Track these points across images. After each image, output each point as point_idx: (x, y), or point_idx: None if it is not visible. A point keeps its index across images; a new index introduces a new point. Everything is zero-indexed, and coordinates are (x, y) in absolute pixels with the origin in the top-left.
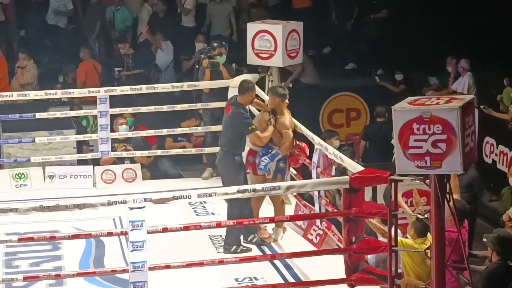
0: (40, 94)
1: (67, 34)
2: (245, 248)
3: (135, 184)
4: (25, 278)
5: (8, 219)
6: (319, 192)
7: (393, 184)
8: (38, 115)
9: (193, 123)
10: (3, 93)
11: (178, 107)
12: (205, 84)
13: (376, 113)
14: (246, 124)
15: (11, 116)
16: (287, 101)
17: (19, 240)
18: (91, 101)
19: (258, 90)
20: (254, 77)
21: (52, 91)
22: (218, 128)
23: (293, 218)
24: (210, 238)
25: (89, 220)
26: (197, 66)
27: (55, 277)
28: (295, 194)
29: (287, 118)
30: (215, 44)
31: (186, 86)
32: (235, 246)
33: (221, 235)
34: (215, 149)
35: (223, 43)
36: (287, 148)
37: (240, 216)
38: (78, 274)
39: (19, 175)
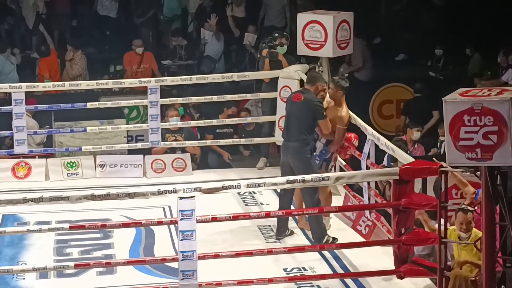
0: (92, 84)
1: (118, 24)
2: (291, 232)
3: (185, 174)
4: (76, 266)
5: (60, 208)
6: (368, 183)
7: (443, 175)
8: (90, 104)
9: (229, 112)
10: (56, 83)
11: (228, 97)
12: (255, 75)
13: (414, 90)
14: (321, 109)
15: (63, 105)
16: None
17: (71, 228)
18: (142, 91)
19: None
20: (304, 68)
21: (103, 81)
22: (274, 118)
23: (342, 209)
24: (259, 228)
25: (138, 209)
26: (258, 56)
27: (105, 265)
28: (344, 185)
29: (344, 112)
30: (276, 34)
31: (236, 76)
32: (326, 237)
33: (270, 225)
34: (271, 139)
35: (285, 33)
36: (336, 145)
37: (314, 202)
38: (129, 262)
39: (71, 164)
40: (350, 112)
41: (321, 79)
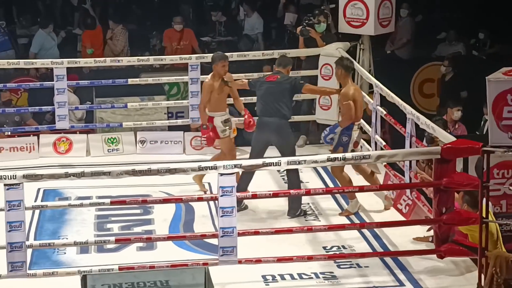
0: (133, 60)
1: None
2: (305, 211)
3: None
4: (117, 241)
5: (100, 183)
6: (410, 162)
7: (485, 155)
8: (131, 81)
9: None
10: (97, 59)
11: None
12: (296, 52)
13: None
14: (297, 82)
15: (104, 81)
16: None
17: (112, 203)
18: (182, 68)
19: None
20: (345, 46)
21: (144, 58)
22: (314, 96)
23: (382, 188)
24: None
25: (178, 186)
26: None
27: (146, 240)
28: (385, 163)
29: (350, 89)
30: (316, 12)
31: (276, 54)
32: (299, 210)
33: (309, 203)
34: (310, 117)
35: (325, 11)
36: (346, 120)
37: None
38: (169, 238)
39: (111, 139)
40: (366, 97)
41: (291, 63)
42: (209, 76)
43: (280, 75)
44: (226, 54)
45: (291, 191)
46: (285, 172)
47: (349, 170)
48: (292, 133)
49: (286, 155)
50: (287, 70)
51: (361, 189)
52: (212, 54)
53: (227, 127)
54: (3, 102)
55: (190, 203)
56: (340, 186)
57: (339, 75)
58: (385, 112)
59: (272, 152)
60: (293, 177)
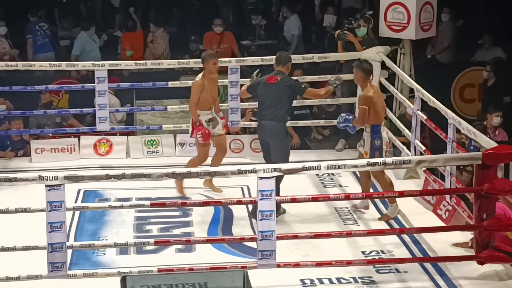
0: (173, 63)
1: (199, 3)
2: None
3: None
4: (156, 242)
5: (140, 185)
6: (451, 167)
7: None
8: (171, 83)
9: None
10: (138, 62)
11: (308, 78)
12: (336, 56)
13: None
14: (298, 85)
15: (145, 84)
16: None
17: (152, 205)
18: (222, 71)
19: (390, 63)
20: (385, 50)
21: (184, 60)
22: (354, 100)
23: (422, 193)
24: (337, 210)
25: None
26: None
27: (185, 242)
28: (424, 169)
29: (369, 92)
30: (357, 16)
31: (316, 57)
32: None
33: (347, 208)
34: None
35: (366, 15)
36: (358, 122)
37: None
38: (208, 241)
39: (151, 142)
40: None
41: (290, 60)
42: (199, 75)
43: (281, 76)
44: (266, 57)
45: (331, 195)
46: (324, 175)
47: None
48: (287, 138)
49: (276, 158)
50: (287, 67)
51: (401, 194)
52: (203, 54)
53: (210, 127)
54: (43, 104)
55: (229, 206)
56: (382, 189)
57: (359, 78)
58: (425, 117)
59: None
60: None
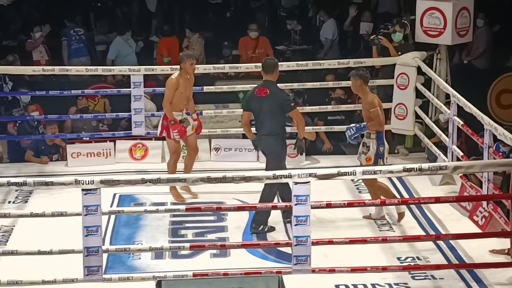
0: (208, 68)
1: (235, 8)
2: (271, 228)
3: (298, 160)
4: (191, 247)
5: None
6: (488, 173)
7: None
8: (206, 88)
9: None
10: (174, 67)
11: (344, 83)
12: (372, 61)
13: None
14: (288, 101)
15: None
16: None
17: (187, 209)
18: (256, 76)
19: (426, 68)
20: (422, 55)
21: (220, 65)
22: (390, 105)
23: (458, 199)
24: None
25: (251, 193)
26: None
27: (220, 247)
28: (461, 175)
29: (374, 97)
30: (394, 21)
31: (352, 63)
32: (262, 226)
33: (384, 214)
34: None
35: (402, 21)
36: (375, 126)
37: (270, 195)
38: (243, 245)
39: (186, 146)
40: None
41: (277, 65)
42: (174, 74)
43: (270, 88)
44: (301, 62)
45: (366, 201)
46: (359, 181)
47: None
48: (283, 150)
49: (269, 170)
50: (276, 74)
51: (437, 200)
52: (180, 54)
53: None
54: (80, 109)
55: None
56: (374, 197)
57: (357, 86)
58: (462, 123)
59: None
60: (267, 190)
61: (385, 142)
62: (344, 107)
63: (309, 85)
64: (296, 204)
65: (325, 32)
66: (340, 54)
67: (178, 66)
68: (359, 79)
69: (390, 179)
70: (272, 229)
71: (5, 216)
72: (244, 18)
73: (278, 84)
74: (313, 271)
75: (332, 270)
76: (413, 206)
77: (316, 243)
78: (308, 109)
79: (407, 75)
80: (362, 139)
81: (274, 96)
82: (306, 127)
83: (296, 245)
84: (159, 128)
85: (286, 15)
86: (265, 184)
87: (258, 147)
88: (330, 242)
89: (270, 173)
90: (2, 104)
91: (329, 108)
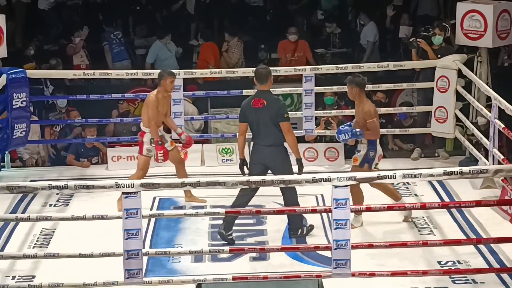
0: (247, 71)
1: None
2: (310, 227)
3: (337, 164)
4: (231, 250)
5: (214, 192)
6: None
7: None
8: (245, 91)
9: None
10: (213, 70)
11: (383, 86)
12: (411, 64)
13: None
14: (283, 111)
15: (220, 92)
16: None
17: (227, 213)
18: (295, 79)
19: (466, 71)
20: (462, 58)
21: None
22: (430, 108)
23: (499, 203)
24: (412, 220)
25: None
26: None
27: (259, 250)
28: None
29: (371, 106)
30: (435, 24)
31: (392, 65)
32: (300, 229)
33: (423, 217)
34: (425, 130)
35: (443, 24)
36: (372, 135)
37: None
38: (282, 249)
39: (225, 150)
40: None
41: (271, 73)
42: (154, 92)
43: (266, 98)
44: (340, 65)
45: (406, 204)
46: (399, 185)
47: None
48: (288, 159)
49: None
50: (270, 83)
51: (478, 203)
52: (160, 71)
53: (153, 148)
54: (121, 113)
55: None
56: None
57: (354, 93)
58: (503, 126)
59: None
60: (290, 195)
61: (378, 149)
62: (384, 110)
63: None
64: (335, 208)
65: (367, 35)
66: (380, 57)
67: (217, 70)
68: (355, 86)
69: (430, 182)
70: (311, 228)
71: (46, 219)
72: (282, 22)
73: (316, 87)
74: (353, 275)
75: (372, 274)
76: (453, 210)
77: (356, 246)
78: (348, 112)
79: (448, 78)
80: (357, 144)
81: (271, 106)
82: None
83: (336, 248)
84: (139, 147)
85: (325, 18)
86: (282, 190)
87: (254, 159)
88: (370, 246)
89: (309, 176)
90: (42, 108)
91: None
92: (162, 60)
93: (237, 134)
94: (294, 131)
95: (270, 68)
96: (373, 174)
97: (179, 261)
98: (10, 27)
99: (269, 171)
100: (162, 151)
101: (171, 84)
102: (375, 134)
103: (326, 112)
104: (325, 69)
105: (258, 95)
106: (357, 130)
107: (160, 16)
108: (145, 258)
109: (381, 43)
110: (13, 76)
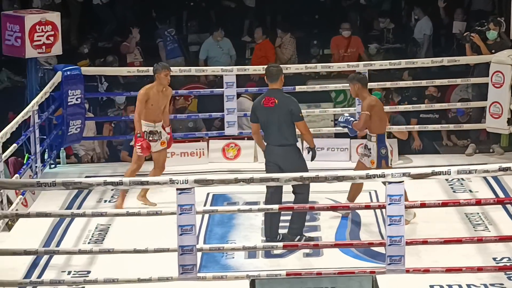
0: (300, 68)
1: (327, 7)
2: (307, 239)
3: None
4: (284, 246)
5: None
6: None
7: None
8: (298, 88)
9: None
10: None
11: (437, 82)
12: (465, 59)
13: None
14: (297, 111)
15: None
16: None
17: (280, 209)
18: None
19: None
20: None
21: (312, 65)
22: (485, 104)
23: None
24: (467, 216)
25: (344, 193)
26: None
27: (313, 246)
28: None
29: (372, 101)
30: (489, 19)
31: (446, 61)
32: (298, 237)
33: (478, 213)
34: (480, 125)
35: (498, 19)
36: (356, 124)
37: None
38: (336, 245)
39: None
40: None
41: (281, 71)
42: (147, 86)
43: (278, 97)
44: (394, 61)
45: (461, 200)
46: (453, 181)
47: None
48: (302, 158)
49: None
50: (281, 81)
51: (501, 201)
52: (155, 65)
53: (149, 139)
54: (177, 109)
55: (356, 210)
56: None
57: (357, 90)
58: None
59: None
60: (301, 198)
61: (388, 145)
62: (438, 106)
63: (401, 84)
64: (389, 204)
65: (423, 28)
66: (433, 52)
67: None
68: (357, 83)
69: (485, 178)
70: (309, 239)
71: (101, 215)
72: (335, 17)
73: (370, 83)
74: (407, 271)
75: (426, 270)
76: (509, 206)
77: (410, 243)
78: (401, 108)
79: (502, 73)
80: (365, 142)
81: (283, 105)
82: (399, 126)
83: (390, 245)
84: (133, 139)
85: (379, 12)
86: (295, 190)
87: (268, 159)
88: (425, 242)
89: (363, 172)
90: (97, 104)
91: (423, 106)
92: (212, 57)
93: None
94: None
95: (323, 64)
96: (428, 170)
97: (233, 257)
98: (65, 25)
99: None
100: (140, 144)
101: (166, 77)
102: (359, 125)
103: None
104: (379, 64)
105: (269, 94)
106: (350, 118)
107: (214, 13)
108: (199, 254)
109: (434, 38)
110: (68, 73)
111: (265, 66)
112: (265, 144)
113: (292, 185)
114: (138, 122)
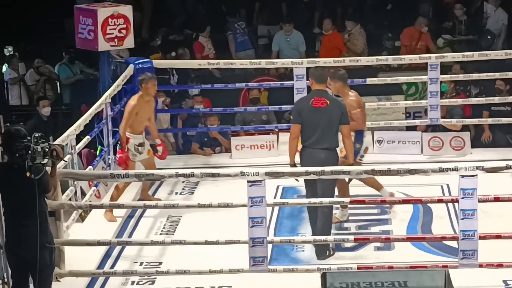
0: (371, 60)
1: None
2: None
3: (463, 153)
4: (355, 240)
5: None
6: None
7: None
8: (369, 80)
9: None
10: (336, 59)
11: (510, 74)
12: None
13: None
14: (347, 114)
15: None
16: None
17: (351, 202)
18: (419, 68)
19: None
20: None
21: (383, 57)
22: None
23: None
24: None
25: (415, 186)
26: None
27: (384, 240)
28: None
29: (350, 99)
30: None
31: None
32: (328, 251)
33: None
34: None
35: None
36: (355, 126)
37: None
38: (408, 239)
39: None
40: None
41: (327, 72)
42: (135, 96)
43: (328, 98)
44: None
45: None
46: None
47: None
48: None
49: (324, 188)
50: (328, 82)
51: None
52: (142, 75)
53: (137, 153)
54: (251, 100)
55: (428, 204)
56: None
57: (338, 87)
58: None
59: None
60: (326, 214)
61: (365, 141)
62: (511, 99)
63: (474, 76)
64: (462, 198)
65: (500, 18)
66: (508, 44)
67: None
68: (338, 80)
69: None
70: (333, 252)
71: (173, 206)
72: (407, 9)
73: (442, 76)
74: (481, 265)
75: (500, 265)
76: None
77: (483, 237)
78: (474, 100)
79: None
80: None
81: (335, 106)
82: (472, 119)
83: (462, 239)
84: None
85: (451, 2)
86: (320, 212)
87: (304, 164)
88: (498, 236)
89: (436, 165)
90: (168, 97)
91: (496, 99)
92: (282, 50)
93: None
94: (419, 120)
95: (395, 56)
96: (502, 164)
97: (303, 250)
98: (137, 18)
99: None
100: (119, 155)
101: (153, 87)
102: (359, 124)
103: (451, 101)
104: (451, 57)
105: (318, 94)
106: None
107: (285, 6)
108: (269, 247)
109: (509, 30)
110: (140, 66)
111: (333, 59)
112: (302, 147)
113: (318, 190)
114: (125, 134)
